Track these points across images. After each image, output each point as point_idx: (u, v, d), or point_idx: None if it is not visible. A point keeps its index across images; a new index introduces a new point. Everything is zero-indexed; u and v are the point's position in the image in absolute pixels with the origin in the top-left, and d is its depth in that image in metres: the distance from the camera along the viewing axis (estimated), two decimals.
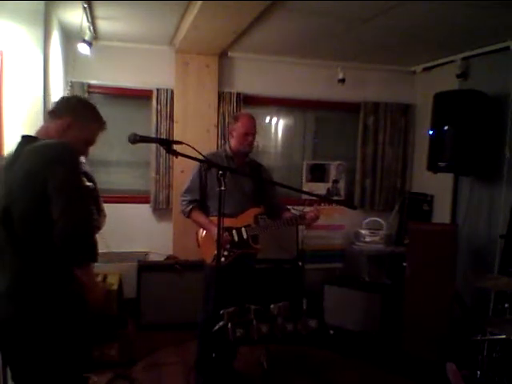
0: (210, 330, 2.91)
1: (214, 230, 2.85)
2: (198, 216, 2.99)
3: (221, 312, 1.91)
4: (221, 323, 1.92)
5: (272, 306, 1.99)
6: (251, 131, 2.99)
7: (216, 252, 2.85)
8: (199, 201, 3.01)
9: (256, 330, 1.95)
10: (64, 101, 1.92)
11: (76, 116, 1.83)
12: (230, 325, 1.90)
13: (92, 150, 1.94)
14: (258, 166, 3.20)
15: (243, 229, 2.96)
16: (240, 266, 2.94)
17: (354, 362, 3.73)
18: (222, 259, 2.87)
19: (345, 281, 4.43)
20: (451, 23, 3.56)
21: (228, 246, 2.89)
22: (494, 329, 2.72)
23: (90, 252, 1.70)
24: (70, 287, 1.71)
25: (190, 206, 2.99)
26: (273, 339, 2.01)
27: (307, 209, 3.05)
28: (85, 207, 1.73)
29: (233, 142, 3.04)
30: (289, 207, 3.25)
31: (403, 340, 3.84)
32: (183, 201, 3.03)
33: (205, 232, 3.00)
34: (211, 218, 2.95)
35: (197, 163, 2.83)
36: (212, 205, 2.98)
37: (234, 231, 2.93)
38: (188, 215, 3.02)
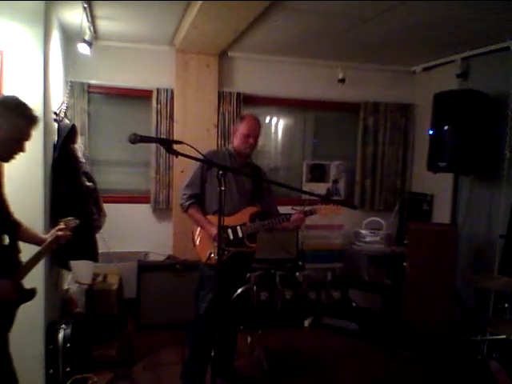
0: (202, 329, 2.92)
1: (210, 229, 2.86)
2: (196, 213, 2.96)
3: (247, 275, 1.91)
4: (246, 286, 1.93)
5: (297, 273, 2.00)
6: (253, 133, 2.97)
7: (211, 250, 2.86)
8: (199, 196, 2.98)
9: (280, 295, 1.96)
10: None
11: None
12: (255, 288, 1.90)
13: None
14: (258, 169, 3.20)
15: (239, 227, 2.93)
16: (236, 265, 2.88)
17: (354, 359, 3.72)
18: (217, 257, 2.87)
19: (345, 281, 4.43)
20: (451, 23, 3.57)
21: (223, 245, 2.83)
22: (494, 329, 2.72)
23: None
24: None
25: (190, 201, 2.96)
26: (295, 306, 2.01)
27: (307, 208, 3.03)
28: None
29: (235, 142, 3.04)
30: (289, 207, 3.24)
31: (403, 339, 3.84)
32: (184, 195, 3.00)
33: (199, 229, 2.98)
34: (208, 217, 2.94)
35: None
36: (209, 204, 2.98)
37: (229, 230, 2.89)
38: (186, 209, 2.99)
